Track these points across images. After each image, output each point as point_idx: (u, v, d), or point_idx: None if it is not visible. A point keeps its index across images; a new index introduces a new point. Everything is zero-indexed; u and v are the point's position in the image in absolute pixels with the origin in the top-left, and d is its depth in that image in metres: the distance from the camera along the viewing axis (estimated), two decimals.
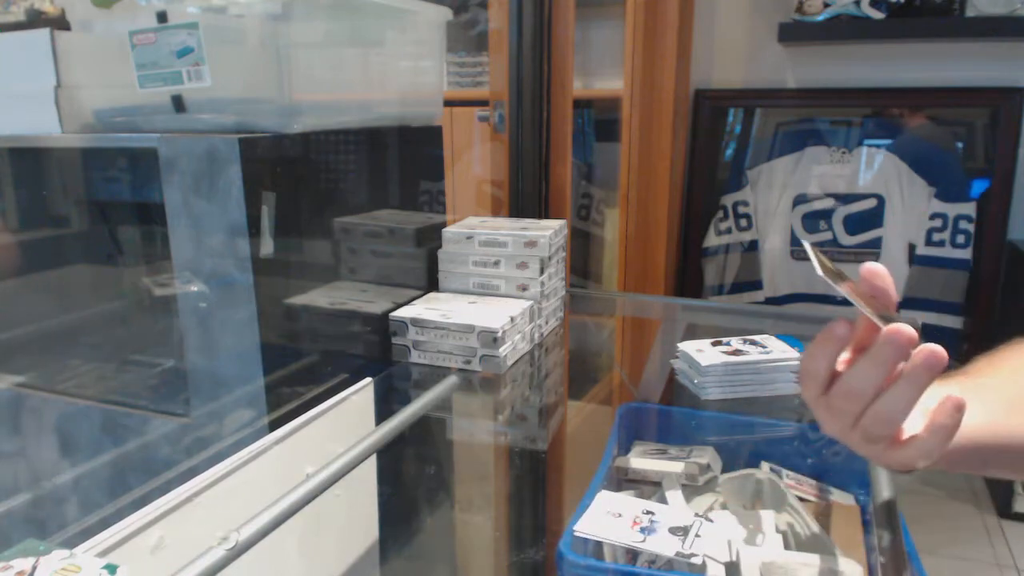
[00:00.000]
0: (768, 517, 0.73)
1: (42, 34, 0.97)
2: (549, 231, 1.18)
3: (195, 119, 0.94)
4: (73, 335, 1.15)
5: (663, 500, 0.78)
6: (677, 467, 0.82)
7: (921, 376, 0.41)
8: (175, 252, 0.92)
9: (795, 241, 1.93)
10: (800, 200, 1.91)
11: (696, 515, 0.69)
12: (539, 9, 1.45)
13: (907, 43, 1.79)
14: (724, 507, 0.79)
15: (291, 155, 0.96)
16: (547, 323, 1.24)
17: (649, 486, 0.83)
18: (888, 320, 0.43)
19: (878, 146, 1.85)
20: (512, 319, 1.09)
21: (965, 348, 1.76)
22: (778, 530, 0.72)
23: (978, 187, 1.79)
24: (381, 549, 0.95)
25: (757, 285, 1.97)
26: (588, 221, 2.21)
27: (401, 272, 1.20)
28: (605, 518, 0.68)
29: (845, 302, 0.43)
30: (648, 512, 0.69)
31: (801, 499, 0.79)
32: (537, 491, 1.00)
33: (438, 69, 1.34)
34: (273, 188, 0.91)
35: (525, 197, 1.56)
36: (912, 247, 1.81)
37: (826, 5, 1.72)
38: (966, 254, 1.77)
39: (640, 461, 0.85)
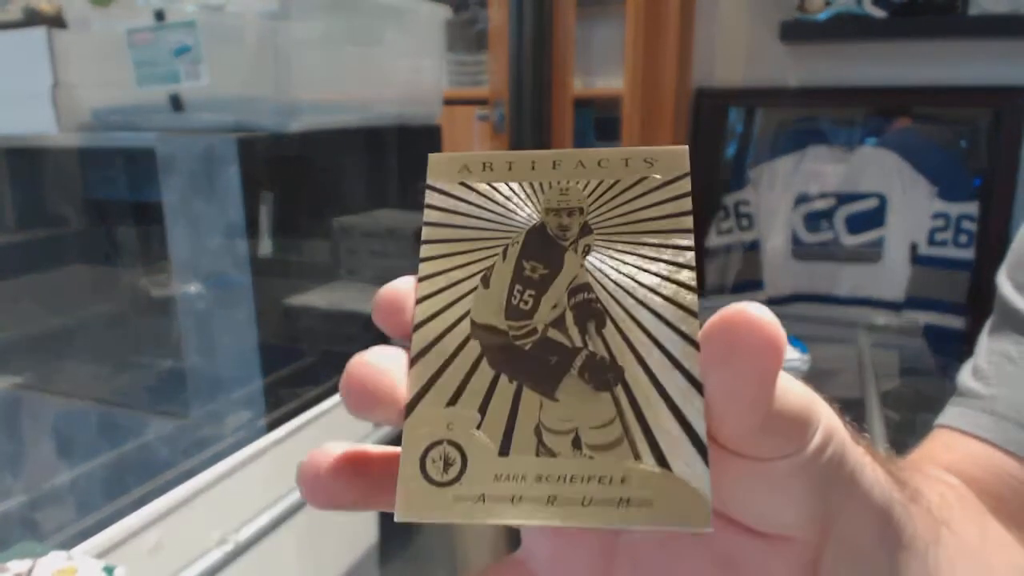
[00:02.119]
0: None
1: (39, 32, 0.96)
2: None
3: (193, 118, 0.93)
4: (72, 335, 1.15)
5: None
6: None
7: None
8: (173, 252, 0.91)
9: (797, 241, 1.92)
10: (802, 199, 1.90)
11: None
12: (539, 7, 1.44)
13: (909, 42, 1.78)
14: None
15: (289, 154, 0.95)
16: None
17: None
18: None
19: (880, 145, 1.84)
20: None
21: (966, 348, 1.75)
22: None
23: (981, 187, 1.78)
24: (381, 549, 0.95)
25: (759, 285, 1.96)
26: None
27: (400, 272, 1.19)
28: None
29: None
30: None
31: None
32: None
33: (437, 68, 1.34)
34: (271, 188, 0.91)
35: None
36: (914, 247, 1.80)
37: (828, 3, 1.71)
38: (968, 254, 1.76)
39: None
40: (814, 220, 1.89)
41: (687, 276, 0.20)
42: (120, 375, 1.11)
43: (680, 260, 0.20)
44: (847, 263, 1.85)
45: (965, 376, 0.46)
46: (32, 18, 1.02)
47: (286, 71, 0.93)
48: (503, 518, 0.18)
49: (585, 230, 0.21)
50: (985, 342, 0.46)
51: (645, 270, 0.20)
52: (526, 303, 0.20)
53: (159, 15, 0.91)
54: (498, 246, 0.21)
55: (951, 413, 0.45)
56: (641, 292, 0.20)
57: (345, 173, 1.08)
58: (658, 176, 0.22)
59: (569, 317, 0.20)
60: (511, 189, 0.22)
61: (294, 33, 0.94)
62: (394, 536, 0.97)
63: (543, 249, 0.21)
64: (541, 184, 0.22)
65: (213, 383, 0.94)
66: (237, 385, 0.92)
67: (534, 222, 0.21)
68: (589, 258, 0.21)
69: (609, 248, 0.21)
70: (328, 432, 0.85)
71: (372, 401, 0.20)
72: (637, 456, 0.18)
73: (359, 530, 0.93)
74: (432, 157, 0.23)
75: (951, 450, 0.43)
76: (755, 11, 1.90)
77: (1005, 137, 1.73)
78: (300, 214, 0.98)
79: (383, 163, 1.18)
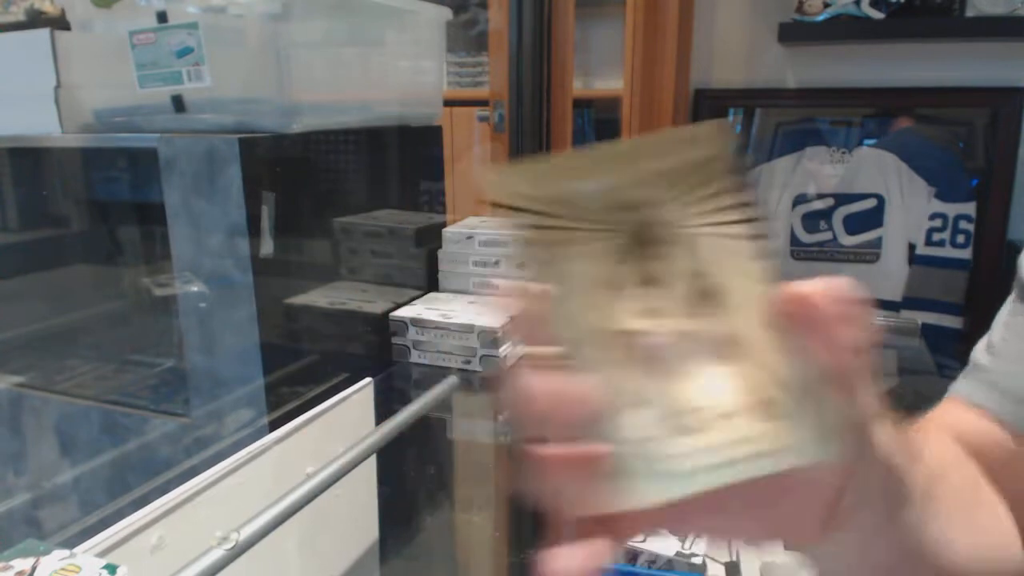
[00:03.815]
0: None
1: (42, 34, 0.97)
2: None
3: (195, 119, 0.94)
4: (73, 335, 1.15)
5: None
6: None
7: None
8: (175, 252, 0.92)
9: (795, 241, 1.93)
10: (800, 200, 1.90)
11: None
12: (539, 9, 1.45)
13: (907, 43, 1.79)
14: None
15: (291, 155, 0.96)
16: None
17: None
18: None
19: (878, 146, 1.84)
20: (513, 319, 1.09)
21: (964, 348, 1.75)
22: None
23: (978, 187, 1.79)
24: (381, 549, 0.95)
25: None
26: None
27: (401, 272, 1.19)
28: None
29: None
30: None
31: None
32: None
33: (438, 69, 1.34)
34: (273, 188, 0.91)
35: None
36: (912, 247, 1.81)
37: (826, 5, 1.72)
38: (966, 254, 1.77)
39: None
40: (812, 220, 1.89)
41: (764, 247, 0.23)
42: (122, 374, 1.11)
43: (755, 231, 0.23)
44: (845, 263, 1.86)
45: (979, 350, 0.49)
46: (35, 19, 1.03)
47: (288, 72, 0.94)
48: (689, 489, 0.21)
49: (669, 222, 0.23)
50: (1002, 319, 0.49)
51: (734, 250, 0.23)
52: (651, 301, 0.23)
53: (161, 16, 0.91)
54: (596, 248, 0.23)
55: (960, 384, 0.49)
56: (742, 267, 0.23)
57: (346, 173, 1.08)
58: (710, 154, 0.23)
59: (690, 301, 0.23)
60: (585, 192, 0.23)
61: (296, 34, 0.94)
62: (394, 536, 0.97)
63: (643, 246, 0.23)
64: (610, 183, 0.23)
65: (215, 382, 0.94)
66: (239, 384, 0.93)
67: (622, 225, 0.23)
68: (687, 246, 0.23)
69: (701, 236, 0.23)
70: (329, 431, 0.85)
71: (566, 421, 0.22)
72: (770, 419, 0.22)
73: (360, 529, 0.93)
74: (488, 178, 0.23)
75: (956, 417, 0.47)
76: (754, 12, 1.91)
77: (1002, 137, 1.74)
78: (301, 214, 0.99)
79: (384, 163, 1.18)
